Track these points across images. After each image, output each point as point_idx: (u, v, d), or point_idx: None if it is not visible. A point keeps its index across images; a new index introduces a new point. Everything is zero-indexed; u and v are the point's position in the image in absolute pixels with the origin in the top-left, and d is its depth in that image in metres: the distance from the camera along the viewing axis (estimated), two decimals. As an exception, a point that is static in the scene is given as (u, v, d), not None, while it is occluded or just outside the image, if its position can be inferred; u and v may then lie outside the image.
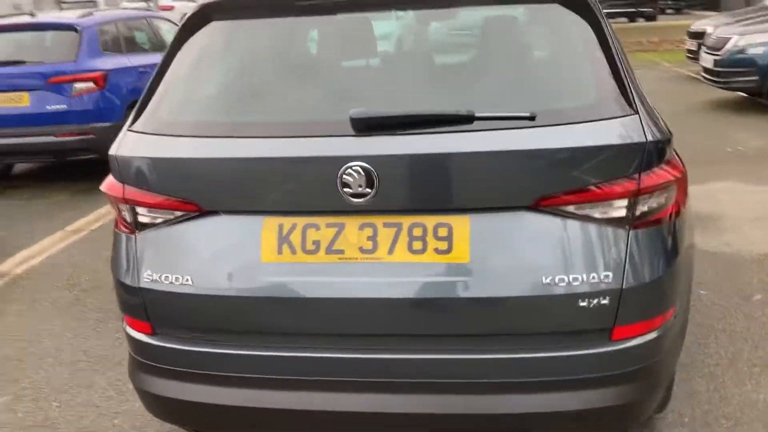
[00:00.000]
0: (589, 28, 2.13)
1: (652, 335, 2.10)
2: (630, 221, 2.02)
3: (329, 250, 2.03)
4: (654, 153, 2.01)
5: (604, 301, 1.99)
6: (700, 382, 3.20)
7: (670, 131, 2.12)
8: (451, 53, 2.21)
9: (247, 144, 2.05)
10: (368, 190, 1.96)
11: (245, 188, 2.08)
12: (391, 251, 2.01)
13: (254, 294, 2.07)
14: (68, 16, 7.84)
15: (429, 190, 2.00)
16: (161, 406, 2.31)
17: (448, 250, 1.99)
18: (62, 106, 6.73)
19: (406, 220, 2.01)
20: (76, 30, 6.99)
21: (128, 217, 2.21)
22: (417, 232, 2.01)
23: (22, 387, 3.50)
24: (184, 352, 2.19)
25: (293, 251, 2.05)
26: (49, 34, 7.18)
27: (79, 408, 3.29)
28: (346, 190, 1.96)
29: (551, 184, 1.97)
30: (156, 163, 2.12)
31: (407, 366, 2.05)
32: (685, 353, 3.41)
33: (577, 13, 2.16)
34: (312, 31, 2.31)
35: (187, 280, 2.11)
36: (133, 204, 2.18)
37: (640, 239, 2.03)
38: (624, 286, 2.00)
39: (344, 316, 2.05)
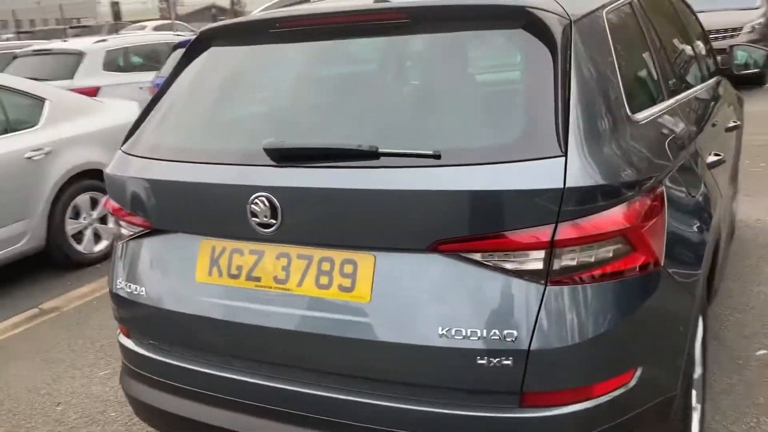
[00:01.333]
0: (547, 58, 1.92)
1: (586, 405, 1.85)
2: (546, 276, 1.80)
3: (248, 277, 2.08)
4: (581, 201, 1.76)
5: (507, 362, 1.79)
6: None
7: (625, 175, 1.84)
8: (390, 84, 2.12)
9: (183, 168, 2.17)
10: (273, 220, 1.97)
11: (184, 210, 2.20)
12: (300, 283, 2.00)
13: (187, 311, 2.18)
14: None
15: (332, 224, 1.95)
16: (134, 405, 2.51)
17: (351, 288, 1.94)
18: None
19: (317, 254, 1.99)
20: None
21: (115, 228, 2.45)
22: (325, 266, 1.98)
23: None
24: (146, 358, 2.36)
25: (220, 274, 2.12)
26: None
27: (153, 391, 3.66)
28: (254, 219, 1.99)
29: (451, 228, 1.82)
30: (123, 181, 2.32)
31: (304, 400, 2.02)
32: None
33: (540, 40, 1.95)
34: (268, 61, 2.36)
35: (142, 290, 2.28)
36: (114, 216, 2.41)
37: (562, 296, 1.80)
38: (531, 348, 1.79)
39: (254, 342, 2.08)
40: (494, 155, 1.81)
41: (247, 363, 2.12)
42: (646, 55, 2.60)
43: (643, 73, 2.52)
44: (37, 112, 5.46)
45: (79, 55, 8.91)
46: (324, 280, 1.97)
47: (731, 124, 3.72)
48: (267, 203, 1.96)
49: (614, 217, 1.81)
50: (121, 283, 2.36)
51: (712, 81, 3.81)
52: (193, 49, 2.48)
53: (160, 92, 2.47)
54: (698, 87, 3.33)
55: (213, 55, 2.44)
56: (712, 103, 3.59)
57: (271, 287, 2.04)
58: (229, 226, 2.08)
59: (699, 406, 2.64)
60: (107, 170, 2.42)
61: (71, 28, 32.46)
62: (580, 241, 1.78)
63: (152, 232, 2.29)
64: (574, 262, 1.80)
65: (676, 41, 3.30)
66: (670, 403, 2.08)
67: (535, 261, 1.80)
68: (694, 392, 2.50)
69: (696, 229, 2.29)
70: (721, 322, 3.83)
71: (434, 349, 1.84)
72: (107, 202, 2.47)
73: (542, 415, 1.84)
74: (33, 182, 5.19)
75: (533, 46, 1.95)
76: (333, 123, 2.12)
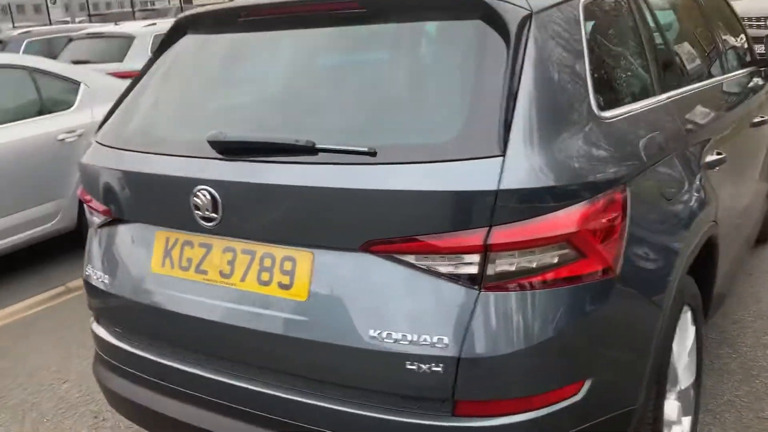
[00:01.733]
0: (501, 52, 1.82)
1: (525, 417, 1.77)
2: (481, 281, 1.71)
3: (197, 269, 2.06)
4: (518, 204, 1.67)
5: (437, 369, 1.72)
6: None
7: (575, 177, 1.74)
8: (343, 77, 2.05)
9: (139, 158, 2.17)
10: (214, 214, 1.95)
11: (140, 200, 2.20)
12: (243, 278, 1.98)
13: (143, 300, 2.18)
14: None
15: (271, 220, 1.92)
16: (104, 393, 2.54)
17: (290, 286, 1.90)
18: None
19: (260, 249, 1.96)
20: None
21: (87, 215, 2.48)
22: (267, 262, 1.94)
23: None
24: (112, 346, 2.38)
25: (172, 265, 2.12)
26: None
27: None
28: (197, 212, 1.98)
29: (382, 228, 1.76)
30: (89, 170, 2.34)
31: (246, 395, 2.00)
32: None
33: (497, 33, 1.86)
34: (232, 51, 2.33)
35: (106, 278, 2.30)
36: (85, 203, 2.43)
37: (497, 303, 1.71)
38: (462, 355, 1.71)
39: (201, 335, 2.07)
40: (432, 154, 1.73)
41: (197, 356, 2.11)
42: (636, 49, 2.45)
43: (627, 68, 2.38)
44: (72, 95, 5.60)
45: (129, 39, 9.09)
46: (265, 276, 1.94)
47: (757, 119, 3.50)
48: (208, 196, 1.94)
49: (558, 221, 1.71)
50: (89, 269, 2.39)
51: (739, 73, 3.59)
52: (168, 38, 2.47)
53: (133, 82, 2.47)
54: (713, 80, 3.13)
55: (184, 44, 2.43)
56: (735, 97, 3.39)
57: (216, 281, 2.02)
58: (177, 218, 2.07)
59: (688, 420, 2.51)
60: (80, 159, 2.45)
61: (140, 11, 33.28)
62: (518, 246, 1.69)
63: (116, 221, 2.30)
64: (512, 268, 1.71)
65: (687, 32, 3.12)
66: (627, 418, 1.97)
67: (469, 265, 1.72)
68: (676, 404, 2.37)
69: (668, 235, 2.15)
70: (741, 328, 3.64)
71: (365, 351, 1.79)
72: (80, 190, 2.50)
73: (476, 425, 1.77)
74: (65, 164, 5.32)
75: (488, 40, 1.86)
76: (281, 116, 2.07)
